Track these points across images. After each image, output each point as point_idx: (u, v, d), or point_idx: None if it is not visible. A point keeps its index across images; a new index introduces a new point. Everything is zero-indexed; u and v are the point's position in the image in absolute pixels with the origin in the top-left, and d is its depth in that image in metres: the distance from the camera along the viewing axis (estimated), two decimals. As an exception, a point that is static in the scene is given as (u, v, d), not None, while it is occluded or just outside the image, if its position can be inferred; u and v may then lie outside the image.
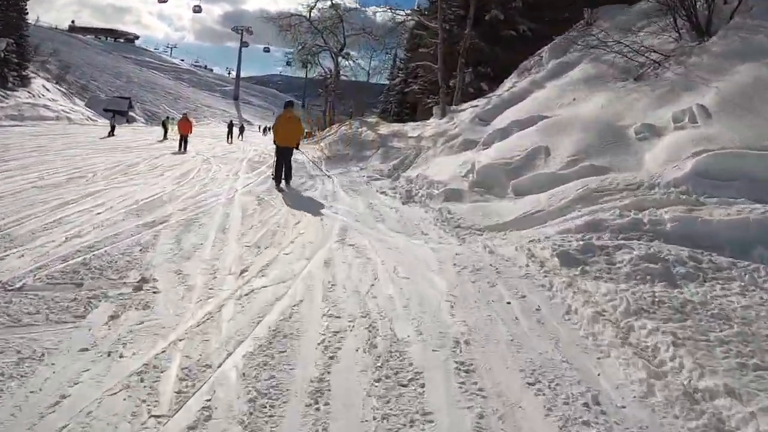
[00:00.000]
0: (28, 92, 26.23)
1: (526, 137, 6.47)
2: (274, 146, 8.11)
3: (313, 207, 6.33)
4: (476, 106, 12.26)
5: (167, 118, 23.26)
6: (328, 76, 27.38)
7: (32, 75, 28.34)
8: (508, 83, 12.93)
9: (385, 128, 15.34)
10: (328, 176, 10.04)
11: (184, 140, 15.04)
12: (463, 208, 5.49)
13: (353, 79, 28.48)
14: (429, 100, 21.48)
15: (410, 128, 14.38)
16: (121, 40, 75.14)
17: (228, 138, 22.78)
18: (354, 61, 25.70)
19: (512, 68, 13.55)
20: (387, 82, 35.05)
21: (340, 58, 24.82)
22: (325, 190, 8.20)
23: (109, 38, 73.13)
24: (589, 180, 4.65)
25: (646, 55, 7.37)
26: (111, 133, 18.45)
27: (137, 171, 9.00)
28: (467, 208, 5.48)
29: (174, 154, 13.34)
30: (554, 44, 11.84)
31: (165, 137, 18.45)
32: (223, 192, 7.12)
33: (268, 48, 77.71)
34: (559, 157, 5.46)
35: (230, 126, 24.45)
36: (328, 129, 21.40)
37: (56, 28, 62.57)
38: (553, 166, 5.38)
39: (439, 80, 15.11)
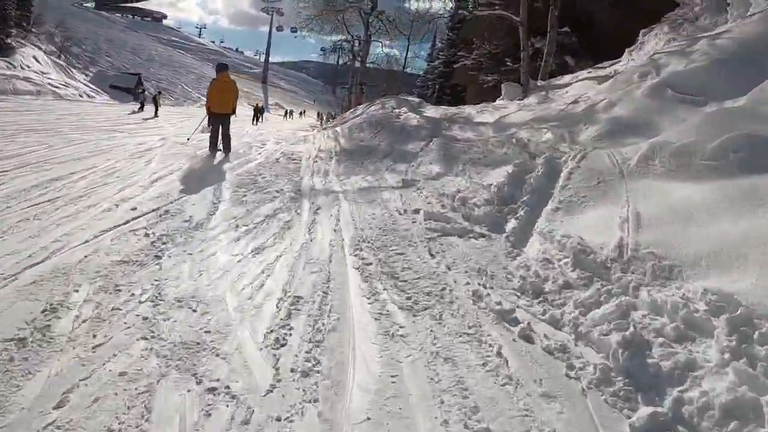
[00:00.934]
0: (8, 63, 22.45)
1: None
2: (209, 115, 7.31)
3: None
4: (606, 76, 7.10)
5: (159, 93, 20.75)
6: (355, 43, 21.75)
7: (17, 44, 24.60)
8: (652, 40, 7.83)
9: (433, 110, 10.33)
10: (335, 194, 4.94)
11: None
12: None
13: (389, 52, 23.05)
14: (488, 78, 16.35)
15: (474, 111, 9.38)
16: (148, 19, 72.61)
17: (254, 120, 22.57)
18: (389, 21, 19.67)
19: (617, 38, 9.87)
20: (425, 65, 29.73)
21: (371, 19, 19.29)
22: (308, 261, 3.01)
23: (136, 16, 70.80)
24: None
25: None
26: (140, 109, 18.72)
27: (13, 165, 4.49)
28: None
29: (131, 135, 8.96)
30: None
31: (156, 114, 17.10)
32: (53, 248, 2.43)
33: (296, 28, 73.08)
34: None
35: (256, 109, 24.17)
36: (352, 110, 16.22)
37: (80, 5, 60.29)
38: None
39: (522, 39, 9.84)
